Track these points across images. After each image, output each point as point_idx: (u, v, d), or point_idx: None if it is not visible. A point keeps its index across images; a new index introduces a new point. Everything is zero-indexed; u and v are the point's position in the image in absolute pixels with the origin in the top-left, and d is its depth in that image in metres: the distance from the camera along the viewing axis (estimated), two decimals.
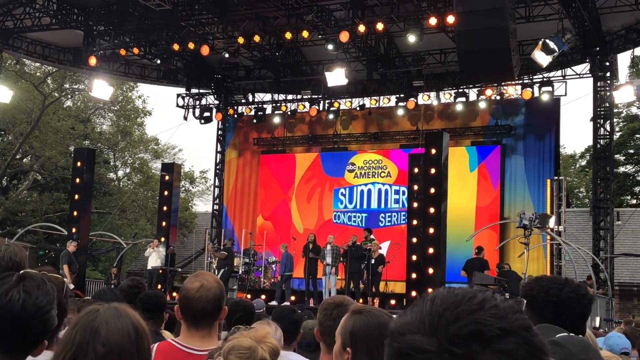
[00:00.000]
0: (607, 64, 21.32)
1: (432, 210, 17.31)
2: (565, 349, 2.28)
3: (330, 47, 19.48)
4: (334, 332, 3.28)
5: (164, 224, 22.42)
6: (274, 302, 18.27)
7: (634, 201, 39.34)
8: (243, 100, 26.95)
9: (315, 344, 4.71)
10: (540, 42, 16.90)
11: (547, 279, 2.98)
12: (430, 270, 16.99)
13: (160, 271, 20.58)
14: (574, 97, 35.21)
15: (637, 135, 38.85)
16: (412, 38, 18.72)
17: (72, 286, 16.70)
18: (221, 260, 20.30)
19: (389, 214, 24.19)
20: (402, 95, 23.65)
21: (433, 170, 17.52)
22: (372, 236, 20.02)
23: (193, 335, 3.39)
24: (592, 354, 2.30)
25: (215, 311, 3.41)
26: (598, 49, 21.07)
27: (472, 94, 23.22)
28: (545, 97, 21.93)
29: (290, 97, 26.25)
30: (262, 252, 22.51)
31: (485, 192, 23.06)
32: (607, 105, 21.48)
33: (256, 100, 26.88)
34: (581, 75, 22.27)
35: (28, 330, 2.26)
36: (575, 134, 68.45)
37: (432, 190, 17.41)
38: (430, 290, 15.67)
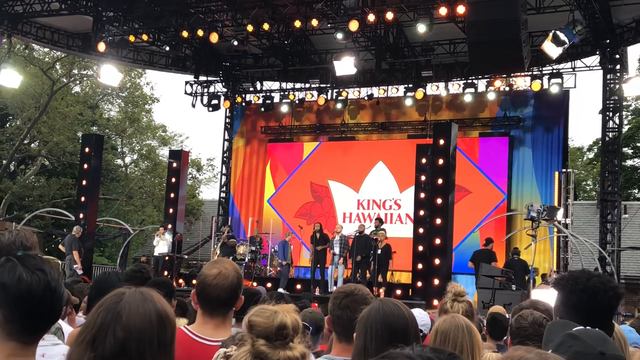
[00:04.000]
0: (617, 56, 21.18)
1: (439, 200, 17.29)
2: (582, 341, 2.29)
3: (339, 36, 19.37)
4: (344, 321, 3.25)
5: (171, 210, 22.49)
6: (280, 290, 18.27)
7: None
8: (251, 89, 26.90)
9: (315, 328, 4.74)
10: (551, 34, 16.79)
11: (580, 270, 3.03)
12: (437, 261, 17.00)
13: (167, 258, 20.66)
14: (583, 89, 35.10)
15: None
16: (421, 28, 18.59)
17: (80, 272, 16.77)
18: (227, 249, 20.35)
19: (395, 203, 24.15)
20: (410, 85, 23.58)
21: (441, 161, 17.49)
22: (382, 226, 19.99)
23: (207, 323, 3.34)
24: (609, 346, 2.30)
25: (232, 299, 3.37)
26: (608, 41, 20.94)
27: (481, 85, 23.14)
28: (554, 89, 21.82)
29: (298, 85, 26.18)
30: (269, 240, 22.50)
31: (492, 185, 22.99)
32: (617, 98, 21.37)
33: (264, 88, 26.83)
34: (591, 68, 22.13)
35: (46, 310, 2.22)
36: (582, 127, 68.29)
37: (440, 181, 17.39)
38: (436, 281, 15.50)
